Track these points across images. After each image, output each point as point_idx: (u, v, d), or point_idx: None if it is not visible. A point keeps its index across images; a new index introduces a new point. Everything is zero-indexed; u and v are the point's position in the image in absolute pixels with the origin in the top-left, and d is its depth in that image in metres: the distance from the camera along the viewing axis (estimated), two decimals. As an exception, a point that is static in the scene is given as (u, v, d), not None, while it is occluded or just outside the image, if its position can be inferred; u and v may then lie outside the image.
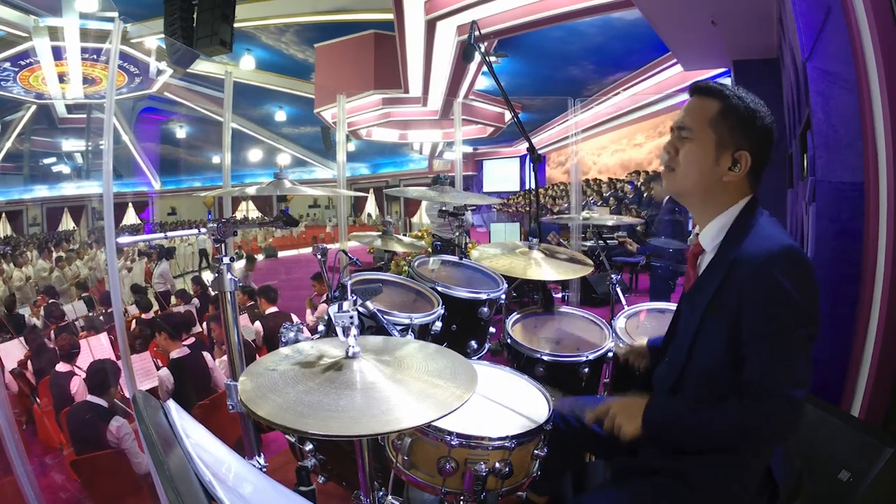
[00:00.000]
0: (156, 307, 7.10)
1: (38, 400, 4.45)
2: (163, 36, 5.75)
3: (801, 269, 1.10)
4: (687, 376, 1.24)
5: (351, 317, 1.21)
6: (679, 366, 1.25)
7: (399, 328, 1.92)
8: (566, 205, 10.29)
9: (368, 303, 1.81)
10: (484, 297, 2.30)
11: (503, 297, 2.40)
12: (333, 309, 1.23)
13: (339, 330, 1.20)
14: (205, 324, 5.50)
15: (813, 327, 1.10)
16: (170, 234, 1.89)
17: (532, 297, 3.80)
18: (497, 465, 1.33)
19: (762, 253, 1.11)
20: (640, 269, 6.28)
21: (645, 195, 6.55)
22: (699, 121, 1.22)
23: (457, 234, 2.98)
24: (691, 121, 1.23)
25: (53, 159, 19.46)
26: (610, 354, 2.04)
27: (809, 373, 1.11)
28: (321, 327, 2.13)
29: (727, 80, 5.69)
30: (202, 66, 14.14)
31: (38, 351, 4.96)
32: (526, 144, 2.54)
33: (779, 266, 1.08)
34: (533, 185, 2.94)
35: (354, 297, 1.43)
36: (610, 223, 3.23)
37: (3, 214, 18.38)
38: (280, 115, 18.08)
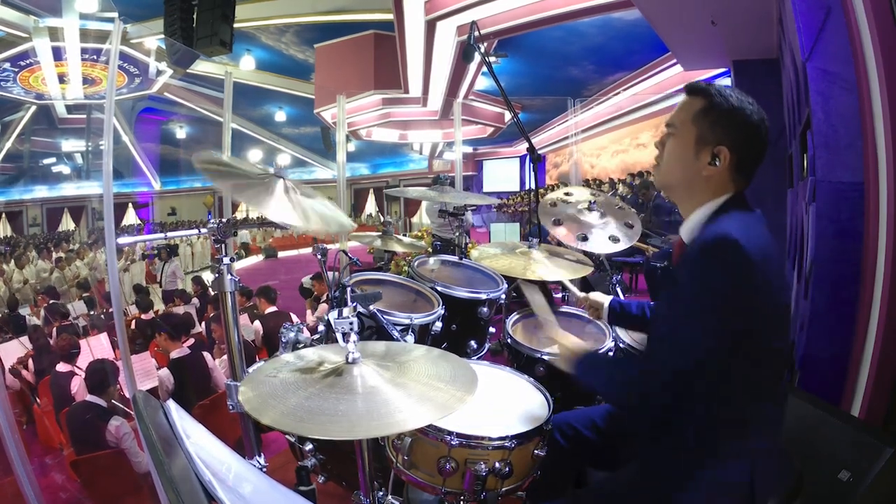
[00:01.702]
0: (156, 307, 7.11)
1: (38, 400, 4.45)
2: (163, 36, 5.76)
3: (732, 257, 1.08)
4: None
5: (351, 323, 1.21)
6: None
7: (399, 328, 1.92)
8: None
9: (368, 303, 1.81)
10: (484, 297, 2.30)
11: (503, 297, 2.40)
12: (333, 315, 1.23)
13: (339, 336, 1.20)
14: (204, 324, 5.50)
15: (734, 320, 1.09)
16: (170, 234, 1.90)
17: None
18: (497, 464, 1.33)
19: (702, 238, 1.15)
20: (640, 269, 6.28)
21: (642, 200, 6.55)
22: (684, 118, 1.27)
23: (457, 234, 2.97)
24: (677, 118, 1.29)
25: (53, 159, 19.46)
26: (610, 354, 2.04)
27: (699, 352, 1.11)
28: (321, 327, 2.13)
29: (727, 81, 5.70)
30: (202, 67, 14.14)
31: (41, 350, 4.96)
32: (526, 144, 2.54)
33: (709, 251, 1.11)
34: (533, 185, 2.94)
35: (354, 304, 1.42)
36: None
37: (3, 214, 18.39)
38: (280, 116, 18.09)
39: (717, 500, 1.20)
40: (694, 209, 1.27)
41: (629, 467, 1.31)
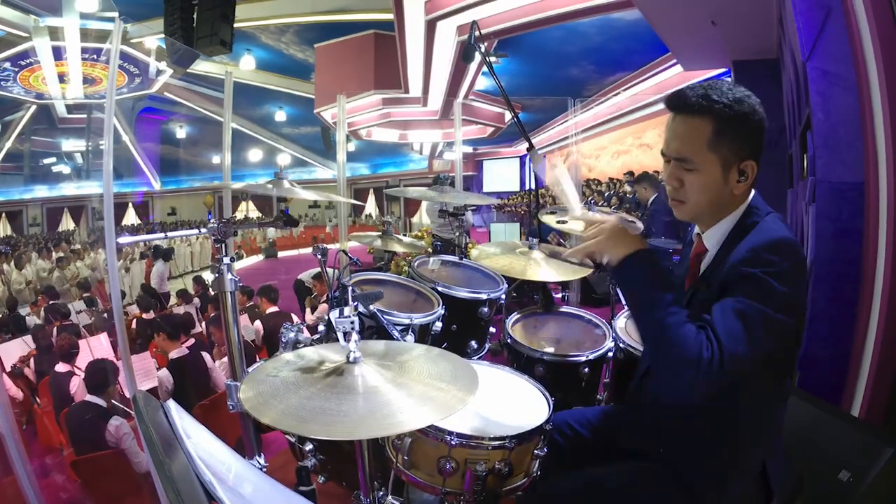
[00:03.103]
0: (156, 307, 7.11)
1: (38, 400, 4.44)
2: (163, 36, 5.76)
3: (789, 259, 1.08)
4: None
5: (352, 322, 1.21)
6: None
7: (399, 328, 1.92)
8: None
9: (368, 302, 1.81)
10: (484, 297, 2.30)
11: (503, 297, 2.40)
12: (334, 314, 1.23)
13: (339, 335, 1.20)
14: (204, 324, 5.50)
15: (789, 317, 1.08)
16: (170, 234, 1.90)
17: (532, 297, 3.80)
18: (497, 465, 1.33)
19: (752, 242, 1.12)
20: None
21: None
22: (697, 147, 1.15)
23: (457, 234, 2.97)
24: (689, 150, 1.16)
25: (53, 159, 19.46)
26: (610, 354, 2.04)
27: (762, 354, 1.07)
28: (321, 327, 2.13)
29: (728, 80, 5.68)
30: (202, 66, 14.14)
31: (44, 350, 4.95)
32: (525, 144, 2.54)
33: (765, 252, 1.09)
34: (533, 186, 2.93)
35: (355, 303, 1.42)
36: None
37: (3, 214, 18.39)
38: (280, 115, 18.07)
39: (734, 489, 1.22)
40: (719, 220, 1.24)
41: (636, 462, 1.31)
